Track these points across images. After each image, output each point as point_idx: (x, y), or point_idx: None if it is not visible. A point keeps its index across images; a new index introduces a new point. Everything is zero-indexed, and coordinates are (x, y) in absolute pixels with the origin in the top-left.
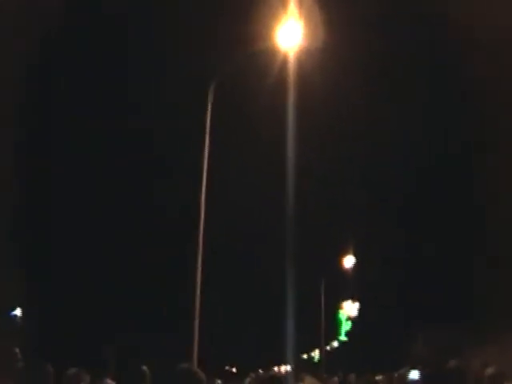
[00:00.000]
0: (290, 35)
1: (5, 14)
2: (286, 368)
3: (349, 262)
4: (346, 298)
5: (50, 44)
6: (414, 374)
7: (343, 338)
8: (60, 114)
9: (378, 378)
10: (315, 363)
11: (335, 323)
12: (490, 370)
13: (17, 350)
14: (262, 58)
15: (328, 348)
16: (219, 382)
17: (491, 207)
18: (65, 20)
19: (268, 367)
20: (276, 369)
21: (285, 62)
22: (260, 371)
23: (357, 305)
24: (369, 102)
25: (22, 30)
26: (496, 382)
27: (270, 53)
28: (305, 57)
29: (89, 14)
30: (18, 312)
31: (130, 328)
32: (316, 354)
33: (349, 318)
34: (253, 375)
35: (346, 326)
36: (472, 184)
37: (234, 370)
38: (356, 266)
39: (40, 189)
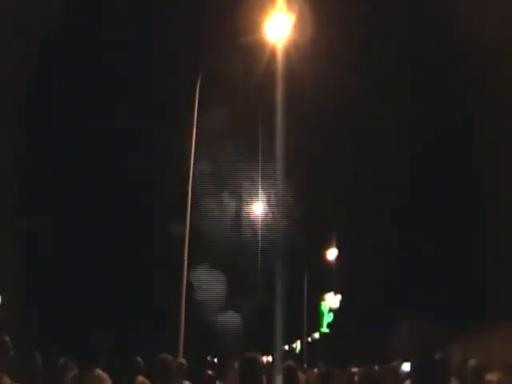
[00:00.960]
0: (278, 28)
1: (5, 14)
2: (267, 358)
3: (332, 254)
4: (329, 290)
5: (50, 44)
6: (407, 367)
7: (325, 329)
8: (60, 113)
9: (354, 370)
10: (297, 354)
11: (317, 315)
12: (472, 362)
13: (7, 338)
14: (250, 51)
15: (309, 340)
16: (210, 372)
17: (491, 207)
18: (65, 20)
19: None
20: None
21: (273, 54)
22: None
23: (339, 297)
24: (360, 95)
25: (22, 30)
26: (478, 374)
27: (258, 45)
28: (293, 49)
29: (89, 14)
30: None
31: (124, 322)
32: (298, 345)
33: (331, 310)
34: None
35: (328, 318)
36: (472, 184)
37: (215, 360)
38: (339, 258)
39: (40, 189)
